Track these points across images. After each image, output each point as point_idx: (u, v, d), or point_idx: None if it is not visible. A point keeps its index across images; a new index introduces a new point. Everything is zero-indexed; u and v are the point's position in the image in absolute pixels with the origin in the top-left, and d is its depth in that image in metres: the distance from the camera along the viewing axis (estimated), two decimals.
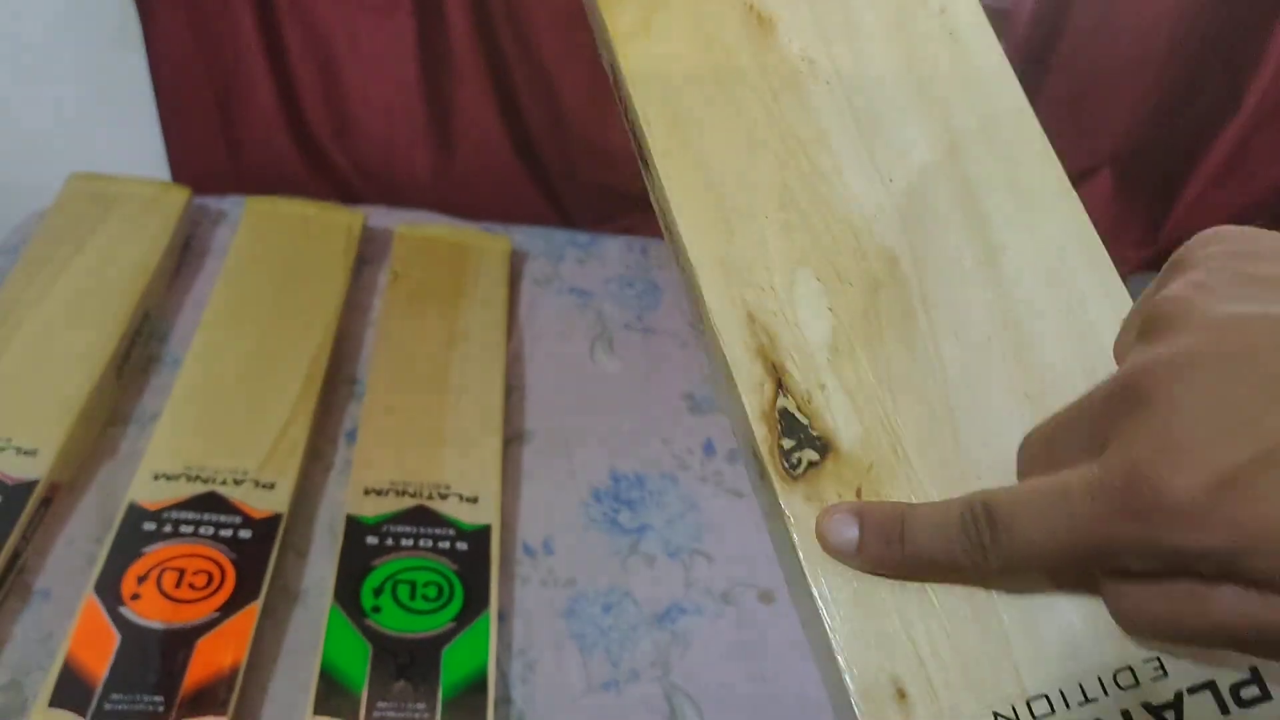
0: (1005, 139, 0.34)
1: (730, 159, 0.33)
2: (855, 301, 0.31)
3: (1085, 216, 0.33)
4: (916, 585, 0.28)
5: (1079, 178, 0.96)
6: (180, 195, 0.86)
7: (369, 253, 0.90)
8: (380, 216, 0.93)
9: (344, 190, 1.00)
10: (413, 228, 0.90)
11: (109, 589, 0.57)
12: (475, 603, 0.61)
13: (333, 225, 0.87)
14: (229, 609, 0.57)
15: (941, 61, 0.35)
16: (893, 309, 0.31)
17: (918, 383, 0.30)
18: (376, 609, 0.59)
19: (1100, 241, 0.33)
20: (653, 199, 0.35)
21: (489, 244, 0.90)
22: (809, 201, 0.33)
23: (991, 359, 0.31)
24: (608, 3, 0.34)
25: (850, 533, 0.28)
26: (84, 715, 0.51)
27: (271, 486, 0.65)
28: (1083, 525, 0.23)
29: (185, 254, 0.87)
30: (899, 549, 0.27)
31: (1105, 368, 0.30)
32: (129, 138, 0.98)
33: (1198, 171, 0.98)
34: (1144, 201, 0.99)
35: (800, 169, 0.33)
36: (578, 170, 1.01)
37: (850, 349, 0.31)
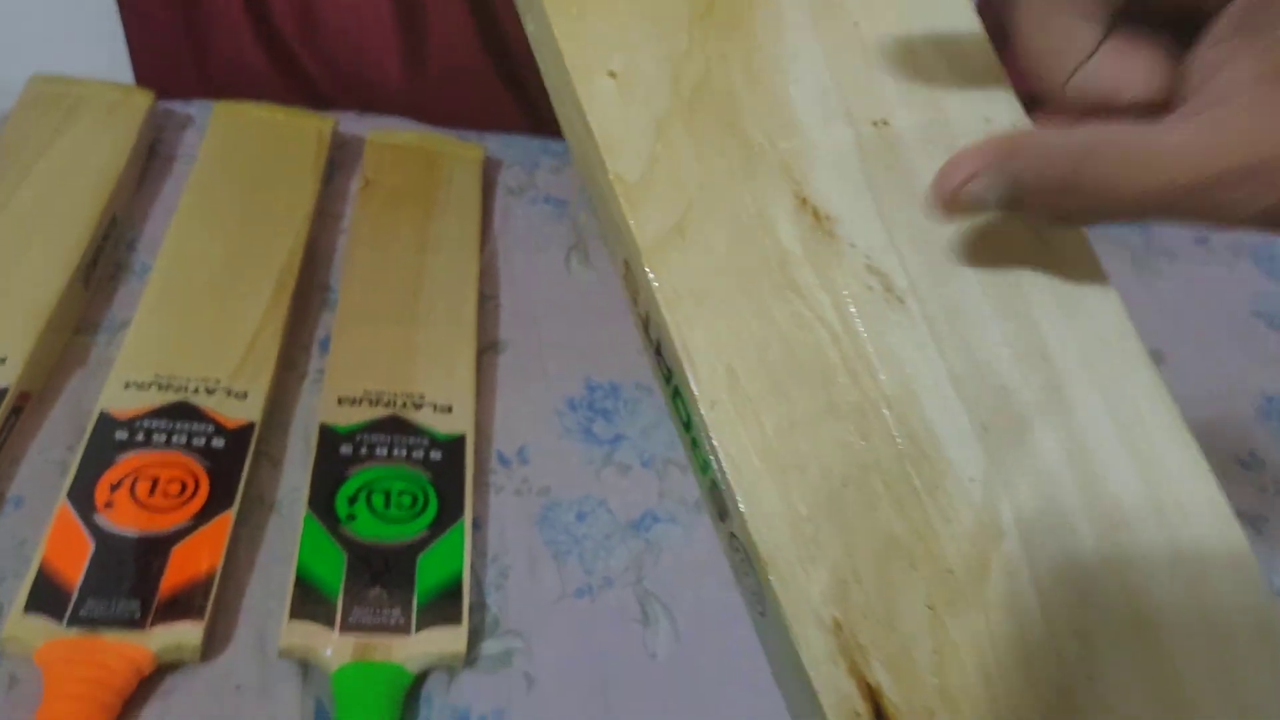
0: (1108, 367, 0.29)
1: (794, 429, 0.27)
2: (959, 589, 0.26)
3: (1209, 474, 0.29)
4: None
5: None
6: (145, 99, 0.83)
7: (340, 159, 0.89)
8: (351, 122, 0.91)
9: (313, 95, 0.97)
10: (384, 134, 0.89)
11: (82, 497, 0.57)
12: (450, 511, 0.61)
13: (302, 131, 0.85)
14: (203, 517, 0.58)
15: (1027, 272, 0.30)
16: (1003, 592, 0.26)
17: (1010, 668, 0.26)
18: (351, 517, 0.59)
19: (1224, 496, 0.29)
20: (689, 453, 0.28)
21: (462, 151, 0.89)
22: (895, 474, 0.26)
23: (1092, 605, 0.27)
24: (631, 198, 0.28)
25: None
26: (60, 620, 0.52)
27: (244, 395, 0.64)
28: None
29: (151, 160, 0.85)
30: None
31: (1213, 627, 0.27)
32: (90, 39, 0.96)
33: None
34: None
35: (885, 430, 0.27)
36: None
37: (955, 652, 0.25)
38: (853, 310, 0.28)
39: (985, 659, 0.25)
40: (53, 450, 0.62)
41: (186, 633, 0.53)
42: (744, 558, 0.27)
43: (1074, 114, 0.28)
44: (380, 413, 0.65)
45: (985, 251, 0.29)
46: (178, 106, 0.90)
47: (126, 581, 0.54)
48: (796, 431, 0.26)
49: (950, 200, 0.27)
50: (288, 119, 0.86)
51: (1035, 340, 0.29)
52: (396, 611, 0.56)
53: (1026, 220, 0.29)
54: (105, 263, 0.75)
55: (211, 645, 0.55)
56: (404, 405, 0.66)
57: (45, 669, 0.50)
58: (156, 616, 0.53)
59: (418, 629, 0.55)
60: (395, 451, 0.63)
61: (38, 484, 0.60)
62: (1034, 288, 0.29)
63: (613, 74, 0.29)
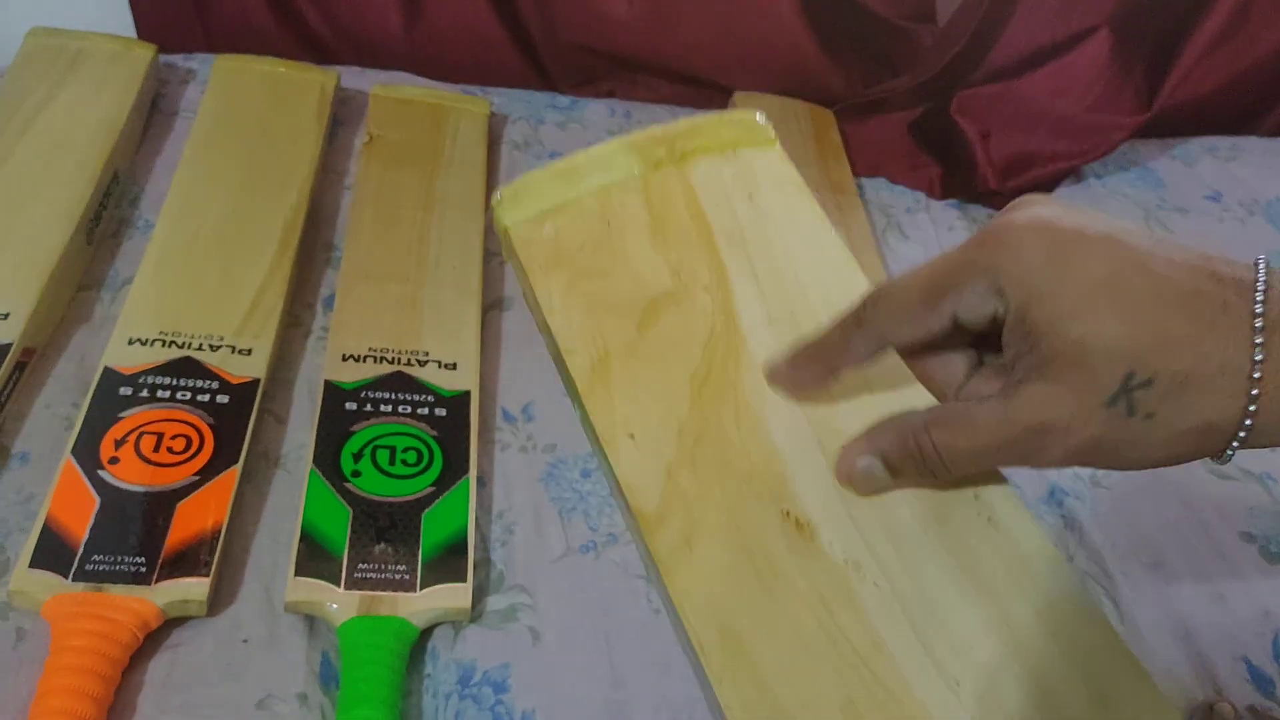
0: (1068, 630, 0.34)
1: (789, 676, 0.32)
2: None
3: (1159, 695, 0.33)
4: None
5: (1077, 38, 0.93)
6: (146, 52, 0.83)
7: (343, 114, 0.88)
8: (354, 77, 0.90)
9: (315, 49, 0.96)
10: (388, 89, 0.88)
11: (87, 452, 0.57)
12: (455, 467, 0.61)
13: (305, 85, 0.84)
14: (208, 472, 0.58)
15: (985, 551, 0.35)
16: None
17: None
18: (356, 473, 0.59)
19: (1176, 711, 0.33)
20: (711, 707, 0.34)
21: (467, 106, 0.88)
22: (879, 717, 0.32)
23: None
24: (649, 524, 0.35)
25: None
26: (66, 575, 0.52)
27: (248, 352, 0.64)
28: None
29: (153, 114, 0.84)
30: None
31: None
32: None
33: (1196, 34, 0.96)
34: (1141, 66, 0.97)
35: (863, 680, 0.32)
36: (559, 30, 0.98)
37: None
38: (830, 591, 0.34)
39: None
40: (58, 406, 0.62)
41: (192, 588, 0.53)
42: None
43: None
44: (385, 369, 0.65)
45: (945, 538, 0.35)
46: (179, 61, 0.89)
47: (132, 537, 0.54)
48: (779, 677, 0.32)
49: (850, 478, 0.36)
50: (290, 73, 0.85)
51: (997, 609, 0.34)
52: (402, 567, 0.56)
53: (916, 484, 0.36)
54: (108, 219, 0.74)
55: (218, 600, 0.55)
56: (408, 362, 0.66)
57: (52, 623, 0.50)
58: (162, 572, 0.53)
59: (423, 585, 0.55)
60: (400, 408, 0.63)
61: (43, 439, 0.60)
62: (990, 560, 0.35)
63: (632, 435, 0.37)
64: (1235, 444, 0.31)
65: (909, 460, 0.35)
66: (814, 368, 0.37)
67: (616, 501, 0.38)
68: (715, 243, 0.40)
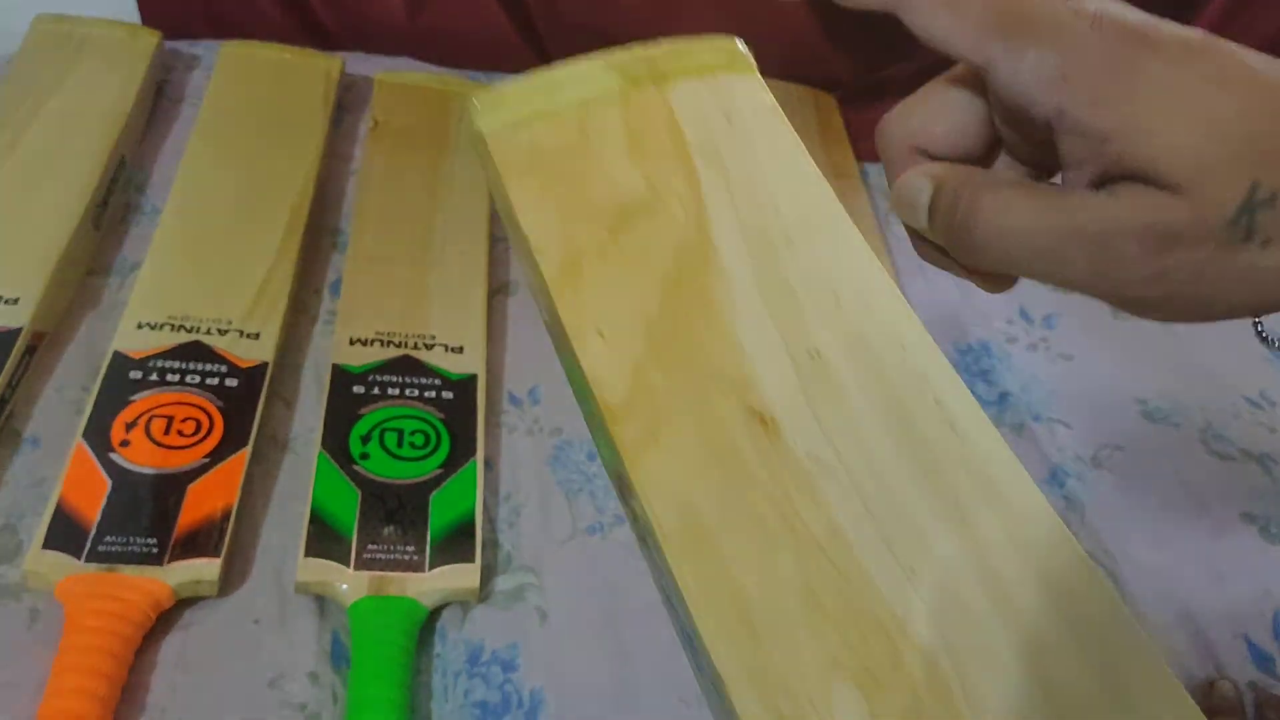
0: (1018, 522, 0.34)
1: (750, 564, 0.33)
2: (898, 706, 0.30)
3: (1113, 592, 0.33)
4: None
5: None
6: (151, 38, 0.83)
7: (348, 100, 0.88)
8: (358, 63, 0.90)
9: (319, 35, 0.96)
10: (393, 75, 0.88)
11: (98, 436, 0.57)
12: (462, 450, 0.61)
13: (310, 71, 0.84)
14: (218, 455, 0.58)
15: (945, 452, 0.35)
16: (939, 712, 0.30)
17: None
18: (364, 456, 0.60)
19: (1125, 608, 0.33)
20: (666, 602, 0.35)
21: (472, 92, 0.88)
22: (836, 603, 0.32)
23: None
24: (613, 415, 0.35)
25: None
26: (79, 557, 0.52)
27: (256, 336, 0.65)
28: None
29: (158, 101, 0.84)
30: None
31: None
32: None
33: (1195, 19, 0.96)
34: None
35: (822, 570, 0.33)
36: (562, 14, 0.98)
37: None
38: (792, 484, 0.34)
39: None
40: (68, 390, 0.63)
41: (204, 568, 0.54)
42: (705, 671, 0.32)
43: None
44: (392, 353, 0.66)
45: (906, 439, 0.36)
46: (184, 46, 0.89)
47: (143, 520, 0.55)
48: (740, 564, 0.33)
49: (898, 192, 0.33)
50: (295, 59, 0.85)
51: (956, 509, 0.35)
52: (411, 548, 0.56)
53: (943, 240, 0.34)
54: (115, 205, 0.75)
55: (229, 580, 0.55)
56: (415, 346, 0.66)
57: (66, 603, 0.51)
58: (174, 553, 0.54)
59: (431, 565, 0.56)
60: (407, 391, 0.64)
61: (54, 423, 0.61)
62: (950, 463, 0.36)
63: (601, 333, 0.37)
64: None
65: (942, 212, 0.31)
66: None
67: (580, 404, 0.38)
68: (691, 158, 0.41)
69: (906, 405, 0.36)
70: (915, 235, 0.34)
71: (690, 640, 0.33)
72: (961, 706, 0.31)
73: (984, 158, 0.33)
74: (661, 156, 0.41)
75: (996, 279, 0.33)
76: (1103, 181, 0.28)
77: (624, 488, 0.36)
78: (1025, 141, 0.33)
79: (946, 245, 0.31)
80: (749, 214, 0.40)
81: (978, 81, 0.34)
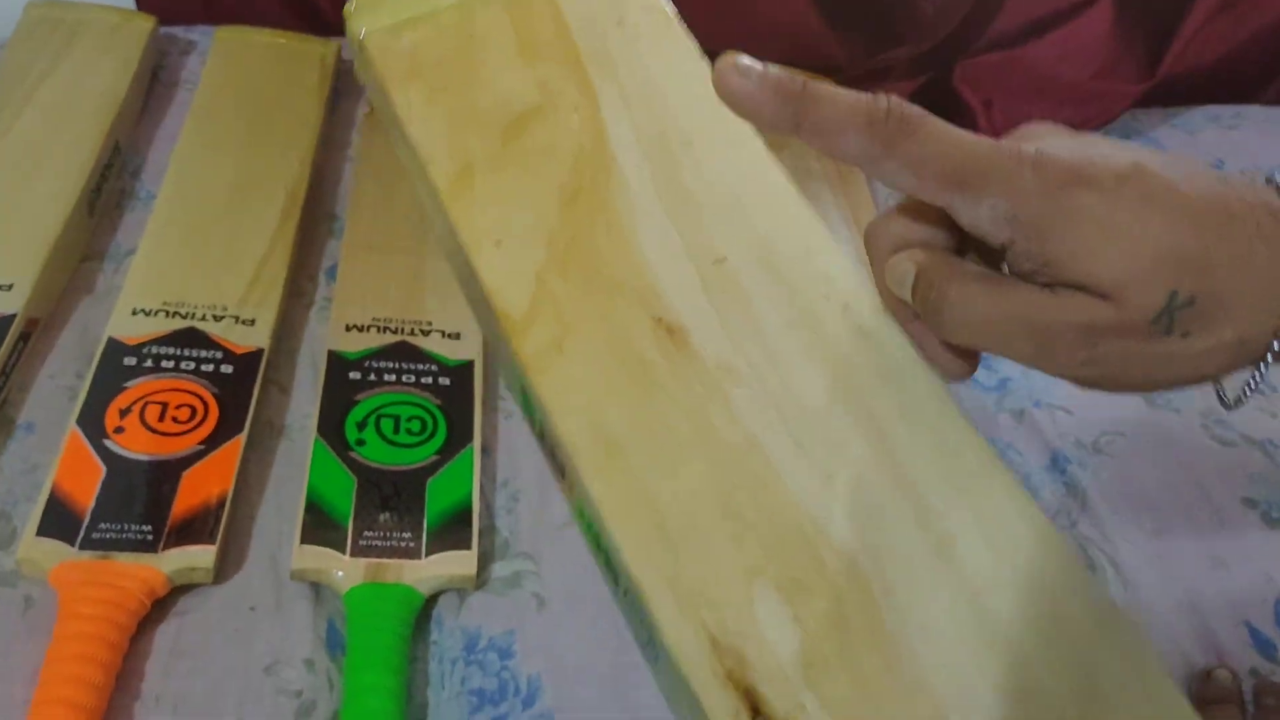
0: (929, 425, 0.34)
1: (664, 473, 0.32)
2: (820, 608, 0.30)
3: (1020, 489, 0.34)
4: None
5: (1079, 6, 0.93)
6: (145, 23, 0.82)
7: (344, 86, 0.88)
8: None
9: (315, 20, 0.96)
10: None
11: (92, 422, 0.57)
12: (459, 436, 0.61)
13: (305, 56, 0.84)
14: (213, 442, 0.58)
15: (855, 357, 0.35)
16: (859, 612, 0.30)
17: (897, 687, 0.29)
18: (361, 442, 0.59)
19: (1038, 508, 0.33)
20: (580, 523, 0.34)
21: None
22: (754, 510, 0.32)
23: (963, 652, 0.30)
24: (515, 327, 0.34)
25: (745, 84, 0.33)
26: (73, 544, 0.52)
27: (252, 322, 0.64)
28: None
29: (153, 86, 0.84)
30: (793, 113, 0.33)
31: (1072, 644, 0.31)
32: None
33: (1199, 1, 0.95)
34: (1142, 35, 0.96)
35: (738, 478, 0.32)
36: None
37: (824, 661, 0.30)
38: (703, 393, 0.34)
39: None
40: (62, 376, 0.63)
41: (198, 555, 0.53)
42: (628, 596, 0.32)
43: None
44: (388, 339, 0.65)
45: (815, 344, 0.35)
46: (179, 31, 0.89)
47: (138, 506, 0.54)
48: (654, 474, 0.32)
49: (891, 272, 0.35)
50: (290, 44, 0.85)
51: (867, 413, 0.34)
52: (407, 535, 0.56)
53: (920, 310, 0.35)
54: (109, 190, 0.74)
55: (225, 567, 0.55)
56: (412, 332, 0.66)
57: (60, 590, 0.51)
58: (169, 540, 0.53)
59: (428, 552, 0.55)
60: (404, 377, 0.63)
61: (48, 410, 0.61)
62: (861, 367, 0.35)
63: (498, 243, 0.36)
64: (1265, 362, 0.32)
65: (920, 294, 0.34)
66: (782, 106, 0.33)
67: (477, 315, 0.37)
68: (583, 63, 0.40)
69: (814, 311, 0.36)
70: (900, 307, 0.36)
71: (608, 559, 0.33)
72: (882, 606, 0.30)
73: (958, 246, 0.36)
74: (552, 62, 0.39)
75: (960, 363, 0.36)
76: (1048, 284, 0.32)
77: (528, 402, 0.35)
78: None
79: (924, 320, 0.35)
80: (645, 120, 0.39)
81: None
